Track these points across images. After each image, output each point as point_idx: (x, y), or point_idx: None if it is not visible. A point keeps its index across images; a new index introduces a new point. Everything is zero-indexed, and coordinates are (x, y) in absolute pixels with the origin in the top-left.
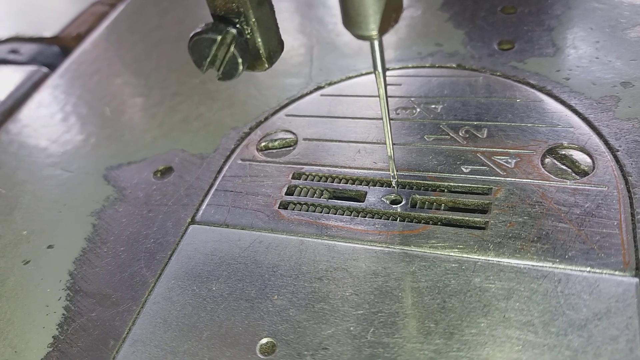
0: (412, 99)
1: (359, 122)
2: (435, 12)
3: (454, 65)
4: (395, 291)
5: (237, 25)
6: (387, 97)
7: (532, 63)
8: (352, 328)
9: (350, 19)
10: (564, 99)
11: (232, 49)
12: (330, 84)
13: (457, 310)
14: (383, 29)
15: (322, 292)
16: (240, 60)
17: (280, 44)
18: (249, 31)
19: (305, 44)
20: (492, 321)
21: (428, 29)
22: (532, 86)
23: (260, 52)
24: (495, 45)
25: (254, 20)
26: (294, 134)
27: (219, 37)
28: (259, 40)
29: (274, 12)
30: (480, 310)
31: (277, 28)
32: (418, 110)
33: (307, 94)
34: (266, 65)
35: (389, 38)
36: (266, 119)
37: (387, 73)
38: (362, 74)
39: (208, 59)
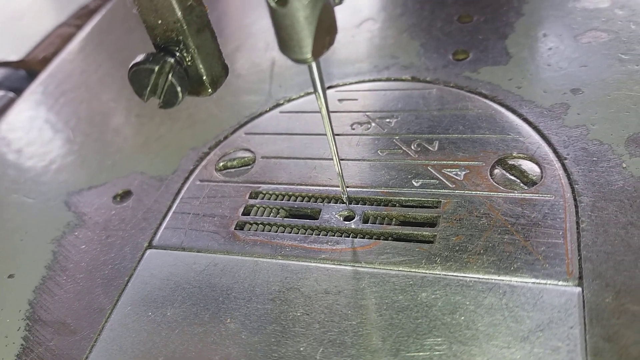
0: (368, 113)
1: (316, 138)
2: (393, 24)
3: (409, 78)
4: (345, 309)
5: (177, 54)
6: (329, 116)
7: (486, 72)
8: (302, 349)
9: (284, 44)
10: (515, 108)
11: (169, 77)
12: (289, 101)
13: (404, 326)
14: (317, 52)
15: (274, 313)
16: (178, 88)
17: (225, 68)
18: (190, 58)
19: (265, 60)
20: (437, 337)
21: (385, 42)
22: (485, 96)
23: (204, 78)
24: (450, 56)
25: (194, 47)
26: (252, 152)
27: (157, 67)
28: (201, 66)
29: (215, 37)
30: (426, 325)
31: (220, 53)
32: (373, 125)
33: (266, 112)
34: (210, 91)
35: (346, 52)
36: (225, 137)
37: (345, 87)
38: None
39: (148, 89)
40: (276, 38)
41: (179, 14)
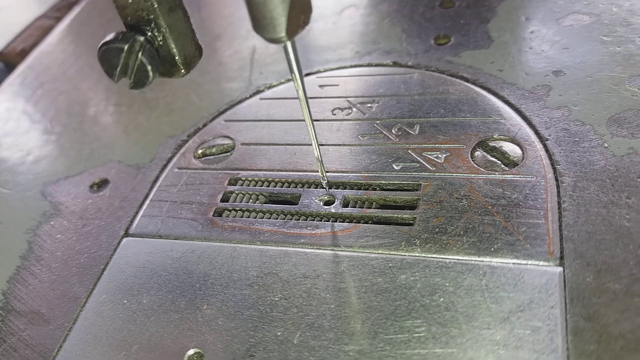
0: (349, 99)
1: (296, 124)
2: (375, 10)
3: (390, 63)
4: (323, 293)
5: (149, 33)
6: (307, 98)
7: (467, 56)
8: (279, 333)
9: (258, 23)
10: (497, 91)
11: (139, 56)
12: (269, 87)
13: (382, 309)
14: (291, 32)
15: (251, 298)
16: (149, 67)
17: (198, 49)
18: (162, 38)
19: (246, 48)
20: (416, 318)
21: (367, 28)
22: (466, 80)
23: (176, 58)
24: (431, 41)
25: (165, 27)
26: (231, 139)
27: (126, 46)
28: (173, 46)
29: (188, 18)
30: (405, 307)
31: (193, 33)
32: (354, 110)
33: (246, 99)
34: (183, 71)
35: (327, 38)
36: (204, 125)
37: (326, 73)
38: None
39: (118, 69)
40: (250, 17)
41: None
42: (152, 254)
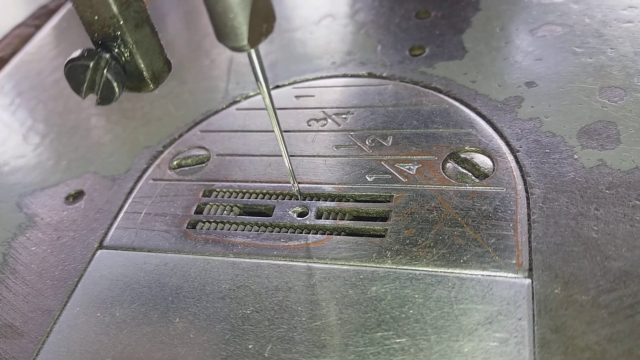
0: (325, 109)
1: (271, 135)
2: (351, 20)
3: (365, 74)
4: (294, 305)
5: (116, 49)
6: (274, 107)
7: (441, 67)
8: (250, 346)
9: (219, 31)
10: (469, 102)
11: (105, 73)
12: (246, 98)
13: (353, 321)
14: (254, 40)
15: (223, 312)
16: (115, 84)
17: (167, 64)
18: (129, 54)
19: (224, 58)
20: (386, 330)
21: (344, 38)
22: (439, 91)
23: (144, 74)
24: (406, 52)
25: (132, 43)
26: (207, 150)
27: (92, 63)
28: (141, 62)
29: (156, 33)
30: (375, 320)
31: (162, 49)
32: (329, 121)
33: (222, 109)
34: (151, 86)
35: (304, 49)
36: (180, 135)
37: (302, 84)
38: (277, 86)
39: (85, 85)
40: (212, 26)
41: (115, 9)
42: (126, 266)
